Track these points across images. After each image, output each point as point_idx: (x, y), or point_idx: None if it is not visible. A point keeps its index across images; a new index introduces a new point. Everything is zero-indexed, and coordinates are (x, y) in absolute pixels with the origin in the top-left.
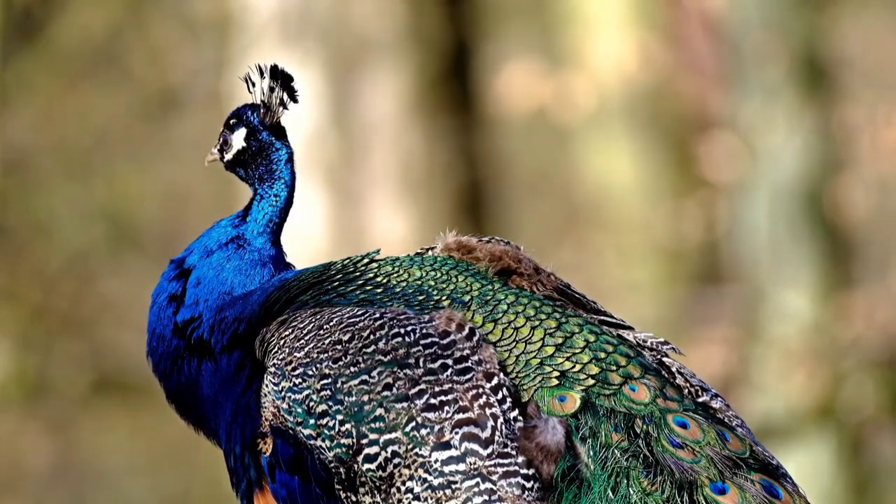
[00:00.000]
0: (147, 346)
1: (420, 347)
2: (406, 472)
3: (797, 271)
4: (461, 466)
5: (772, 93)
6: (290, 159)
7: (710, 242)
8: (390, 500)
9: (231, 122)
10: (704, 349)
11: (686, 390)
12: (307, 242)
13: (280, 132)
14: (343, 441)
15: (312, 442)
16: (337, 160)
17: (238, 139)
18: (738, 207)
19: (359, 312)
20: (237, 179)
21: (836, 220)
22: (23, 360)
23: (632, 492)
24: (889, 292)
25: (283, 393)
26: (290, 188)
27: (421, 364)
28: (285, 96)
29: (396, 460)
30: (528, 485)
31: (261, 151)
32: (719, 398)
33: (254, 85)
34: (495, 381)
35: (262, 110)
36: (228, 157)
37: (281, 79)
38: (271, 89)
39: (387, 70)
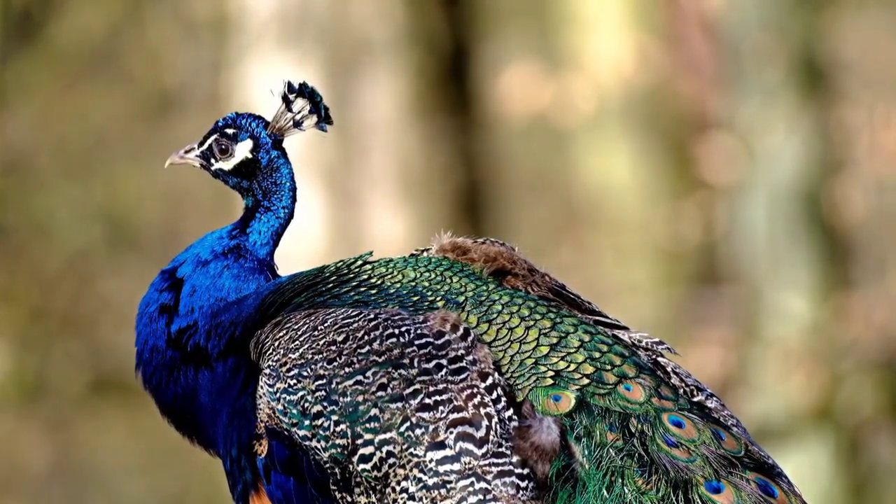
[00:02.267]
0: (137, 359)
1: (414, 348)
2: (401, 472)
3: (795, 272)
4: (456, 466)
5: (770, 94)
6: (293, 174)
7: (708, 243)
8: (385, 500)
9: (229, 131)
10: (703, 350)
11: (681, 390)
12: (305, 243)
13: (281, 146)
14: (338, 441)
15: (308, 443)
16: (335, 161)
17: (242, 150)
18: (736, 208)
19: (353, 313)
20: None
21: (835, 221)
22: (22, 360)
23: (626, 491)
24: (887, 293)
25: (277, 394)
26: (295, 202)
27: (415, 364)
28: (316, 118)
29: (391, 460)
30: (523, 484)
31: (269, 165)
32: (714, 398)
33: (291, 102)
34: (490, 380)
35: (279, 126)
36: (225, 165)
37: (311, 100)
38: (311, 111)
39: (385, 71)
